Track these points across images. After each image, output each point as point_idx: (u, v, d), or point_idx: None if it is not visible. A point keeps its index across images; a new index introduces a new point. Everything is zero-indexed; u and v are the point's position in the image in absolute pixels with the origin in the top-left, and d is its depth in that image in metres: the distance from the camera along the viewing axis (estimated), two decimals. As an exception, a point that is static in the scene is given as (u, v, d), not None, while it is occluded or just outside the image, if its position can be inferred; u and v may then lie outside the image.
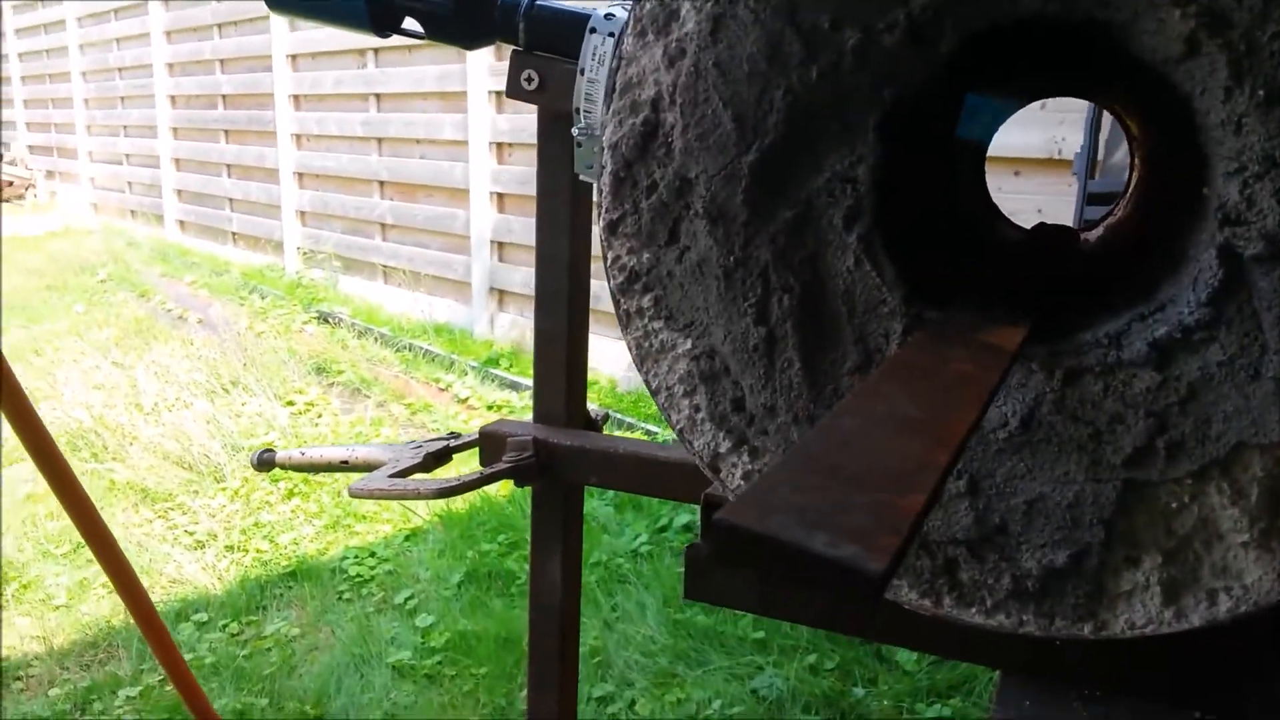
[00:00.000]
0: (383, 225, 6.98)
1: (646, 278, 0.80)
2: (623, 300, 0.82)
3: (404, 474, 1.24)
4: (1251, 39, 0.62)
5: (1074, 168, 3.10)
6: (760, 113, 0.74)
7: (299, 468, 1.49)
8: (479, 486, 1.14)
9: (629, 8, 0.80)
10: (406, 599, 3.73)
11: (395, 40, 1.18)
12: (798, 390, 0.76)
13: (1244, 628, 0.67)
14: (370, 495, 1.16)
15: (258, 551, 4.09)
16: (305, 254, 7.70)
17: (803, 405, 0.76)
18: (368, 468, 1.34)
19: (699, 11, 0.74)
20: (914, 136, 0.82)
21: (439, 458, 1.28)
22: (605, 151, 0.80)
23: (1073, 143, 3.40)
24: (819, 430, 0.44)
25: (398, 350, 6.12)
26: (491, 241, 5.96)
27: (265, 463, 1.51)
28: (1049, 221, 1.24)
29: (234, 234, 8.79)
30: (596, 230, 0.85)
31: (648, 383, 0.82)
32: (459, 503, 4.30)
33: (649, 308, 0.81)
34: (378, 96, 6.76)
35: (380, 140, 6.84)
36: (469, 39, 1.12)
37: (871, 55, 0.71)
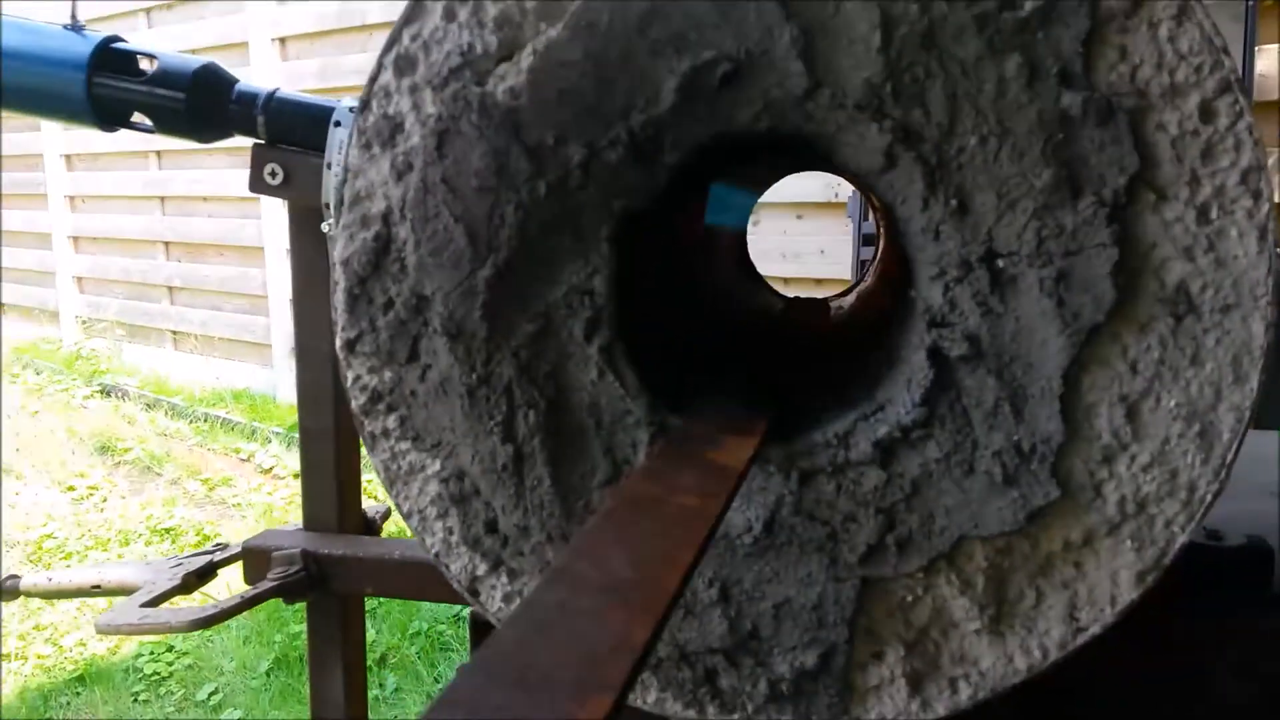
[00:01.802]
0: (170, 288, 6.56)
1: (390, 397, 0.77)
2: (367, 421, 0.78)
3: (160, 599, 1.14)
4: (942, 152, 0.66)
5: (848, 210, 3.29)
6: (492, 228, 0.73)
7: (46, 595, 1.35)
8: (242, 610, 1.06)
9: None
10: (210, 694, 3.47)
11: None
12: (549, 509, 0.74)
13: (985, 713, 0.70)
14: (119, 631, 1.06)
15: (39, 658, 3.70)
16: (84, 323, 7.12)
17: (555, 524, 0.75)
18: (122, 591, 1.23)
19: (423, 126, 0.72)
20: (655, 239, 0.83)
21: (201, 576, 1.18)
22: (337, 267, 0.76)
23: (848, 187, 3.61)
24: (520, 612, 0.42)
25: (192, 421, 5.74)
26: (290, 300, 5.70)
27: (9, 591, 1.35)
28: (802, 295, 1.29)
29: (2, 305, 8.03)
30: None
31: (399, 506, 0.78)
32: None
33: (395, 429, 0.77)
34: (158, 154, 6.37)
35: (163, 199, 6.44)
36: (204, 133, 1.06)
37: (598, 170, 0.71)
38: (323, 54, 5.38)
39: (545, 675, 0.37)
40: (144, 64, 1.08)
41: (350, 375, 0.77)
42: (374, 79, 0.73)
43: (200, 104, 1.04)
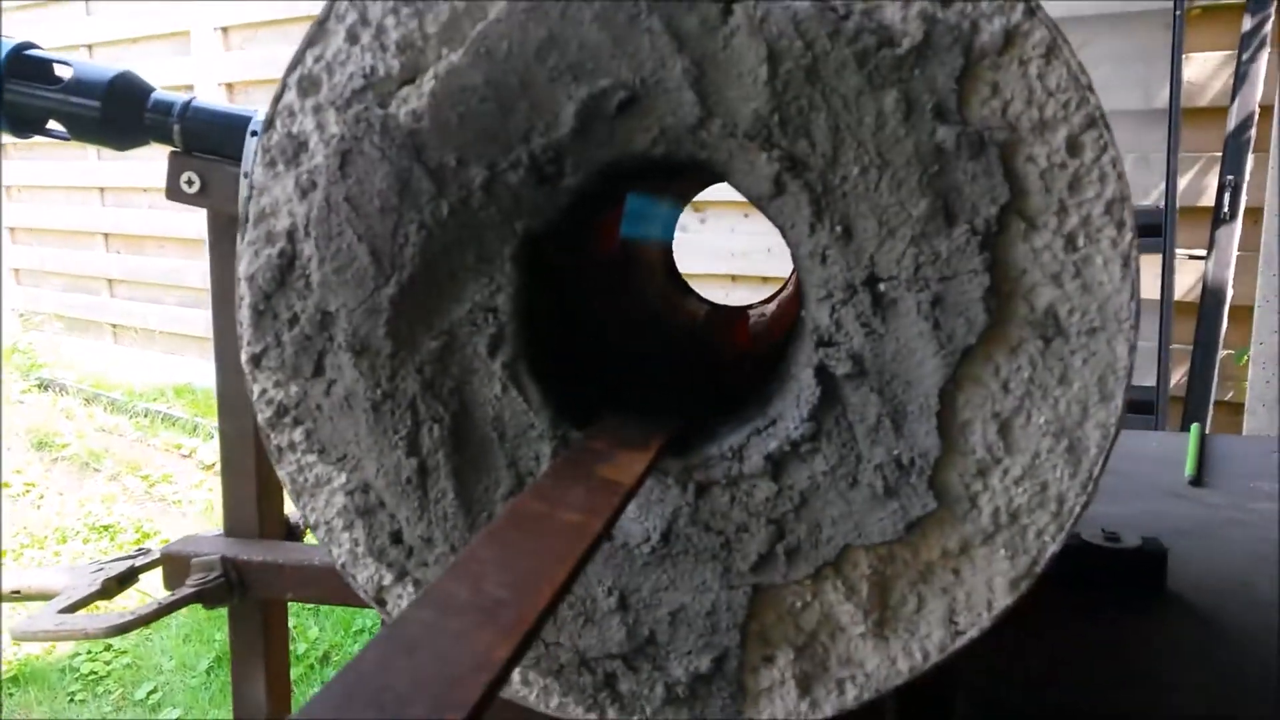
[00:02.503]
0: (109, 281, 6.43)
1: (295, 411, 0.78)
2: (273, 435, 0.79)
3: (79, 604, 1.14)
4: (826, 181, 0.69)
5: (792, 213, 3.33)
6: (396, 246, 0.74)
7: (-36, 600, 1.33)
8: (160, 617, 1.06)
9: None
10: (149, 693, 3.44)
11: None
12: (453, 520, 0.76)
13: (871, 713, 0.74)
14: (34, 638, 1.05)
15: (-28, 660, 3.63)
16: (22, 316, 6.96)
17: (459, 535, 0.76)
18: (42, 597, 1.22)
19: (326, 145, 0.74)
20: (565, 256, 0.85)
21: (122, 581, 1.18)
22: (242, 283, 0.77)
23: (792, 188, 3.65)
24: (387, 633, 0.44)
25: (132, 416, 5.64)
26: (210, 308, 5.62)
27: (-75, 597, 1.34)
28: (734, 298, 1.32)
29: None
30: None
31: (306, 518, 0.79)
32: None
33: (300, 442, 0.78)
34: (96, 143, 6.23)
35: (102, 190, 6.31)
36: (119, 141, 1.05)
37: (499, 191, 0.73)
38: (266, 44, 5.31)
39: (401, 697, 0.39)
40: (59, 71, 1.07)
41: (256, 389, 0.78)
42: (278, 98, 0.74)
43: (116, 112, 1.04)
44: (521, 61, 0.70)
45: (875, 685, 0.73)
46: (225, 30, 5.49)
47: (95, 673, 3.54)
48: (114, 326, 6.45)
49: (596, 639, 0.75)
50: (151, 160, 5.70)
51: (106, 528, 4.48)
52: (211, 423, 5.33)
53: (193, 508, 4.62)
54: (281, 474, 0.79)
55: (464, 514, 0.76)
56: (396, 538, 0.77)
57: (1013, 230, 0.68)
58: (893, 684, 0.73)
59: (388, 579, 0.78)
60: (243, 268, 0.76)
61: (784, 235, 0.73)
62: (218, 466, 4.18)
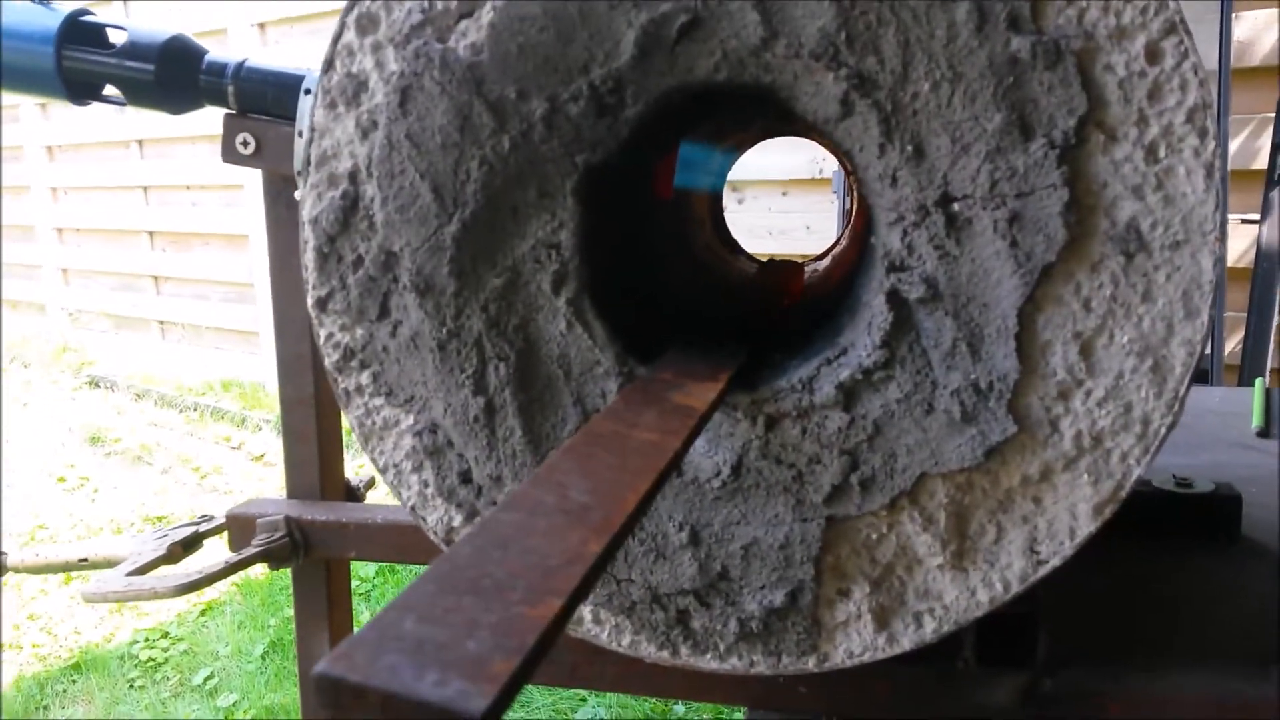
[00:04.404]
0: (155, 278, 6.54)
1: (362, 354, 0.78)
2: (340, 379, 0.79)
3: (146, 568, 1.15)
4: (896, 99, 0.67)
5: (833, 186, 3.30)
6: (458, 183, 0.74)
7: (34, 570, 1.36)
8: (227, 575, 1.07)
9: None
10: (206, 679, 3.49)
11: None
12: (521, 458, 0.76)
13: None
14: (105, 599, 1.07)
15: (34, 647, 3.71)
16: (71, 315, 7.10)
17: (528, 473, 0.76)
18: (109, 564, 1.24)
19: (386, 84, 0.73)
20: (624, 196, 0.84)
21: (187, 546, 1.19)
22: (306, 226, 0.77)
23: (832, 163, 3.62)
24: (477, 530, 0.43)
25: (182, 411, 5.73)
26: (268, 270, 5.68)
27: (-5, 568, 1.36)
28: (781, 257, 1.30)
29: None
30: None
31: (374, 461, 0.79)
32: (258, 569, 4.07)
33: (368, 385, 0.78)
34: (140, 143, 6.33)
35: (145, 188, 6.41)
36: (174, 104, 1.06)
37: (560, 123, 0.72)
38: (302, 38, 5.35)
39: (498, 583, 0.38)
40: (113, 36, 1.08)
41: (323, 333, 0.78)
42: (337, 38, 0.74)
43: (170, 75, 1.04)
44: (581, -11, 0.69)
45: (954, 618, 0.72)
46: (262, 26, 5.54)
47: (153, 659, 3.60)
48: (161, 323, 6.55)
49: (668, 574, 0.74)
50: (193, 158, 5.76)
51: (160, 519, 4.55)
52: (260, 415, 5.41)
53: (244, 498, 4.68)
54: (350, 418, 0.79)
55: (532, 451, 0.76)
56: (465, 477, 0.77)
57: (1092, 142, 0.66)
58: (972, 616, 0.72)
59: (457, 519, 0.78)
60: (306, 211, 0.76)
61: (851, 159, 0.71)
62: (267, 457, 4.23)
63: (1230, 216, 3.19)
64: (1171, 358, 0.67)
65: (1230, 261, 3.24)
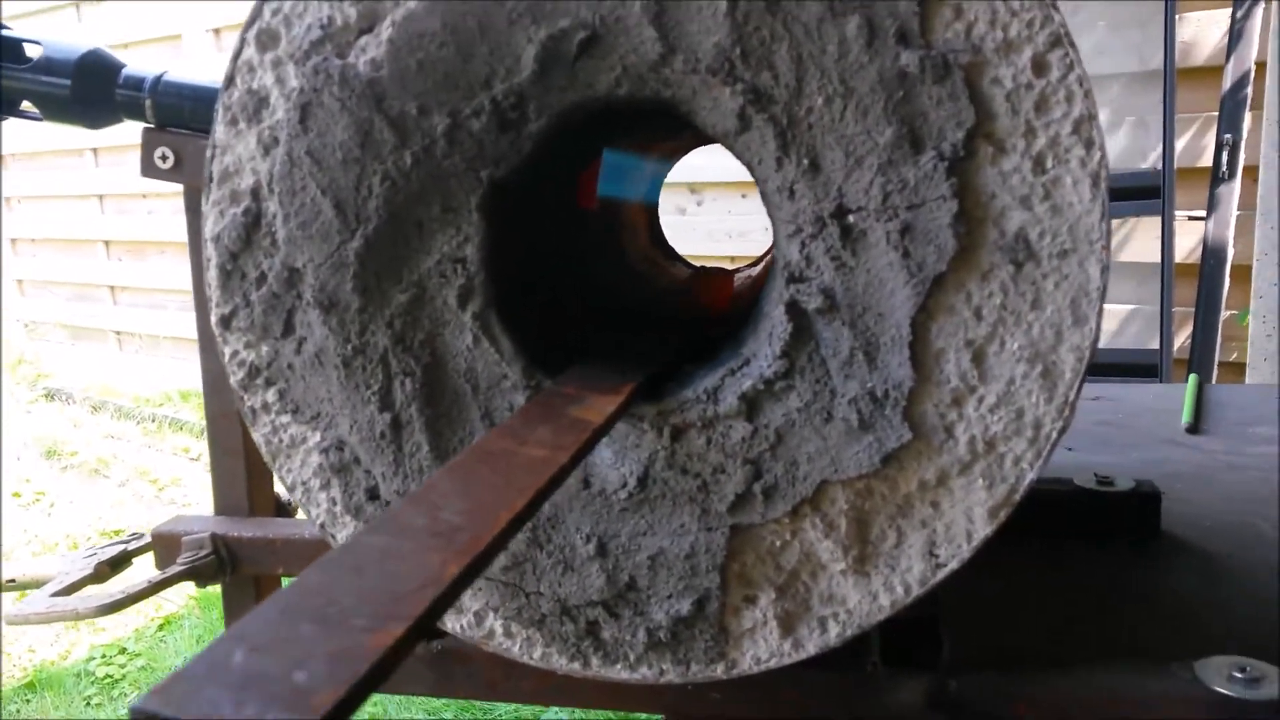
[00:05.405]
0: (112, 288, 6.45)
1: (267, 371, 0.78)
2: (246, 396, 0.78)
3: (73, 588, 1.14)
4: (791, 113, 0.68)
5: (787, 189, 3.32)
6: (360, 199, 0.73)
7: (-39, 591, 1.33)
8: (150, 595, 1.06)
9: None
10: (164, 694, 3.44)
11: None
12: (428, 473, 0.76)
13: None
14: (27, 621, 1.05)
15: (-14, 666, 3.65)
16: (26, 326, 6.99)
17: (435, 487, 0.76)
18: (37, 584, 1.22)
19: (287, 100, 0.73)
20: (534, 208, 0.85)
21: (115, 565, 1.18)
22: (209, 244, 0.76)
23: (787, 165, 3.63)
24: (336, 554, 0.43)
25: (139, 422, 5.66)
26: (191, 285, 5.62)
27: (-76, 589, 1.34)
28: (740, 259, 1.31)
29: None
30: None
31: (283, 479, 0.79)
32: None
33: (274, 402, 0.78)
34: (94, 150, 6.25)
35: (101, 197, 6.32)
36: (91, 119, 1.05)
37: (462, 139, 0.72)
38: (258, 45, 5.30)
39: (344, 610, 0.38)
40: (29, 51, 1.07)
41: (228, 351, 0.77)
42: (237, 54, 0.74)
43: (86, 90, 1.03)
44: (479, 4, 0.70)
45: (858, 622, 0.73)
46: (217, 32, 5.49)
47: (110, 676, 3.55)
48: (118, 333, 6.47)
49: (577, 587, 0.74)
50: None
51: (117, 533, 4.49)
52: (218, 425, 5.34)
53: (203, 510, 4.63)
54: (256, 436, 0.79)
55: (439, 466, 0.76)
56: (373, 494, 0.77)
57: (980, 154, 0.67)
58: (875, 619, 0.73)
59: (367, 536, 0.78)
60: (208, 229, 0.76)
61: (751, 172, 0.72)
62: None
63: (1177, 213, 3.25)
64: (1061, 363, 0.68)
65: (1179, 258, 3.30)
